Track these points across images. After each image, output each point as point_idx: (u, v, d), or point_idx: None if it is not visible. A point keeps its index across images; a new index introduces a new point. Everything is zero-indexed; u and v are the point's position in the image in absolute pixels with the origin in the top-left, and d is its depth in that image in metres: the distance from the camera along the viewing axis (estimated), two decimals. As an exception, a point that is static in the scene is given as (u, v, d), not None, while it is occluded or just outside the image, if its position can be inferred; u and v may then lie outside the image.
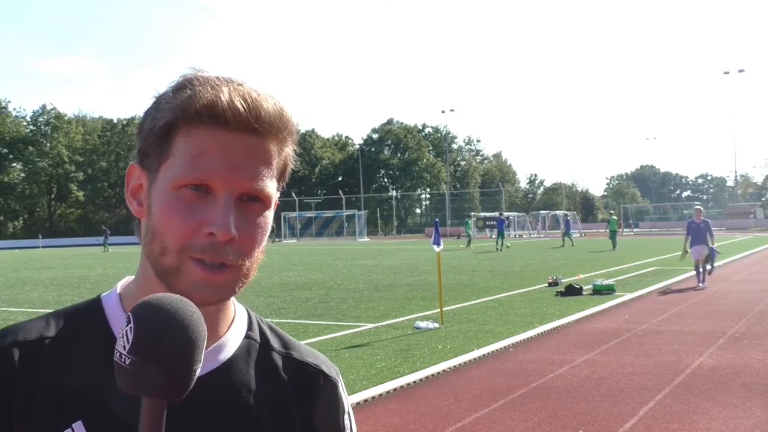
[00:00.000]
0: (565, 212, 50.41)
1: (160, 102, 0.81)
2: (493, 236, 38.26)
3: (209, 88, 0.78)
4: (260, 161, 0.80)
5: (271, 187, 0.81)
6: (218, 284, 0.79)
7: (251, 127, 0.78)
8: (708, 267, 15.02)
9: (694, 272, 15.06)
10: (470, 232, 39.54)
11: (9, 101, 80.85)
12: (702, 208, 15.69)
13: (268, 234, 0.83)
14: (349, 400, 0.97)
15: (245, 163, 0.78)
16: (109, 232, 49.36)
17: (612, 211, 41.38)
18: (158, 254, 0.79)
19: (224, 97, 0.77)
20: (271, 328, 0.95)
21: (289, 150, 0.84)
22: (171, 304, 0.67)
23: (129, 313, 0.67)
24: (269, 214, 0.82)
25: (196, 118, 0.77)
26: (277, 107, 0.80)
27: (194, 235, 0.77)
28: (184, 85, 0.80)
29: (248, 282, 0.82)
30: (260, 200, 0.80)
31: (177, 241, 0.78)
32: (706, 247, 14.73)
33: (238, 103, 0.77)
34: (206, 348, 0.84)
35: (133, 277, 0.90)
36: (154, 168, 0.81)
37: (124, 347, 0.65)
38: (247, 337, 0.91)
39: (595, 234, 49.70)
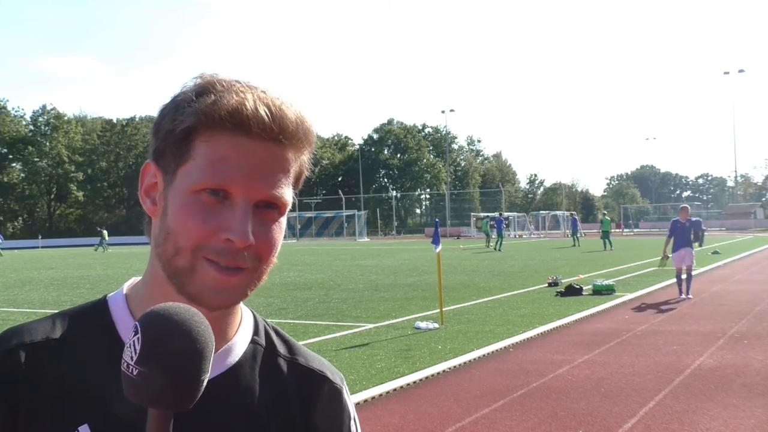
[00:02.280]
0: (572, 212, 50.37)
1: (180, 104, 0.80)
2: (494, 236, 38.24)
3: (234, 95, 0.78)
4: (279, 169, 0.80)
5: (288, 194, 0.81)
6: (231, 287, 0.79)
7: (274, 136, 0.78)
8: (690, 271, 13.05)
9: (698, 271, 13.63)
10: (488, 231, 39.16)
11: (7, 100, 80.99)
12: (689, 207, 13.54)
13: (282, 239, 0.83)
14: (354, 407, 0.97)
15: (265, 171, 0.79)
16: (106, 233, 49.54)
17: (605, 212, 41.09)
18: (172, 255, 0.79)
19: (249, 104, 0.77)
20: (277, 333, 0.95)
21: (305, 157, 0.85)
22: (179, 314, 0.67)
23: (136, 323, 0.67)
24: (284, 221, 0.83)
25: (220, 124, 0.77)
26: (299, 116, 0.81)
27: (211, 238, 0.77)
28: (206, 89, 0.79)
29: (259, 286, 0.83)
30: (277, 207, 0.81)
31: (191, 242, 0.78)
32: (690, 250, 12.90)
33: (263, 112, 0.77)
34: (214, 353, 0.84)
35: (139, 277, 0.90)
36: (171, 169, 0.81)
37: (132, 357, 0.65)
38: (253, 341, 0.91)
39: (596, 234, 49.74)
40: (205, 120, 0.78)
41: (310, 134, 0.83)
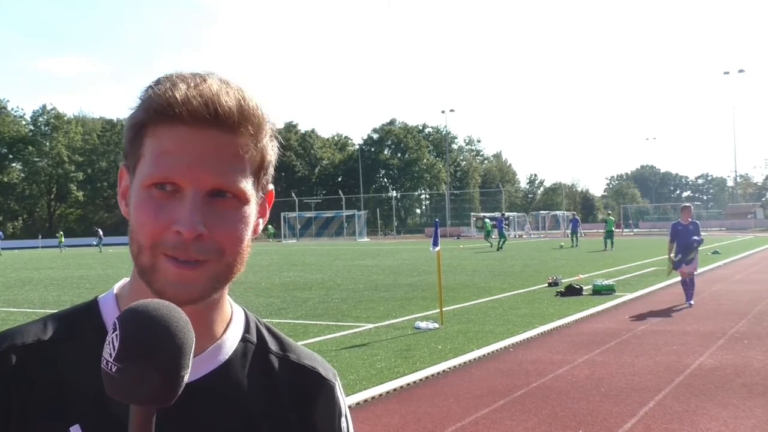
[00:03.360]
0: (573, 212, 50.42)
1: (137, 104, 0.82)
2: (494, 236, 38.33)
3: (168, 86, 0.78)
4: (227, 156, 0.78)
5: (244, 181, 0.80)
6: (192, 280, 0.78)
7: (210, 122, 0.77)
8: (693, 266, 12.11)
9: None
10: (490, 231, 39.02)
11: (8, 100, 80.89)
12: (691, 207, 12.51)
13: (248, 229, 0.81)
14: (346, 403, 0.97)
15: (209, 159, 0.77)
16: (101, 232, 49.73)
17: (609, 212, 41.15)
18: (136, 253, 0.79)
19: (179, 94, 0.76)
20: (269, 330, 0.95)
21: (266, 141, 0.83)
22: (157, 309, 0.67)
23: (115, 320, 0.66)
24: (248, 209, 0.81)
25: (159, 118, 0.78)
26: (239, 99, 0.79)
27: (164, 233, 0.77)
28: (151, 86, 0.80)
29: (232, 278, 0.81)
30: (234, 195, 0.79)
31: (149, 239, 0.78)
32: (695, 256, 12.05)
33: (194, 99, 0.76)
34: (204, 350, 0.84)
35: (129, 278, 0.90)
36: (132, 168, 0.82)
37: (111, 354, 0.65)
38: (244, 339, 0.90)
39: (596, 234, 49.83)
40: (146, 115, 0.78)
41: (254, 117, 0.80)
